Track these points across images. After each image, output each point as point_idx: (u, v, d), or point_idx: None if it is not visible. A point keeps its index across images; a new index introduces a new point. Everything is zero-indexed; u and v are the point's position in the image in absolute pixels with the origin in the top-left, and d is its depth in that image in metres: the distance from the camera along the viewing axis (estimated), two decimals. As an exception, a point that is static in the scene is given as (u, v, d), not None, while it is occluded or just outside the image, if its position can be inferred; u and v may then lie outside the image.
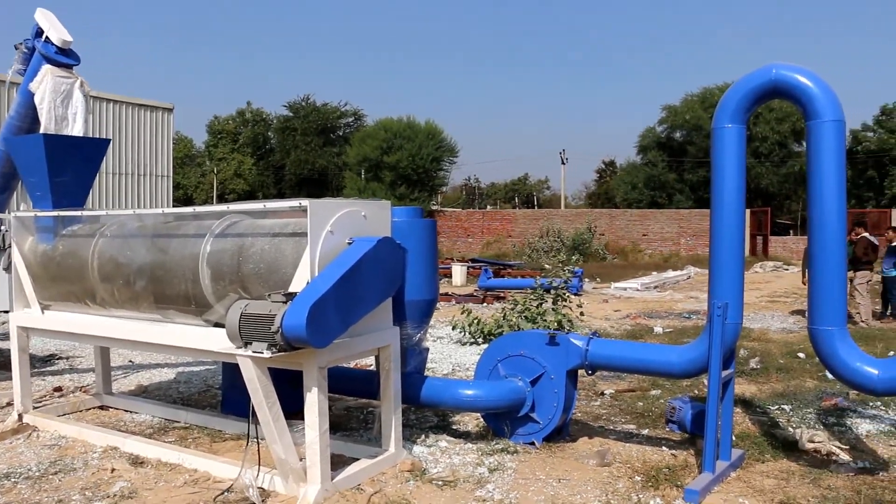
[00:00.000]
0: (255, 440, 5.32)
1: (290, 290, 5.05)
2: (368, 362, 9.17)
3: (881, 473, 5.91)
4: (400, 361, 5.97)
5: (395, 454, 5.92)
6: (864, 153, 49.67)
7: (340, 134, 63.85)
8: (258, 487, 5.24)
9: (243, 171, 66.12)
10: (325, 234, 5.20)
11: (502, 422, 6.51)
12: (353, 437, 6.75)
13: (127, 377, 9.50)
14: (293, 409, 5.44)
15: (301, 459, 5.22)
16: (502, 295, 19.28)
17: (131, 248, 6.34)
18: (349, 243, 5.34)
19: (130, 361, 10.52)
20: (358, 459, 5.79)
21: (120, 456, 6.22)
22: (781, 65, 5.60)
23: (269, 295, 4.95)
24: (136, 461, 6.08)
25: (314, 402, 5.05)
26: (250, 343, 4.88)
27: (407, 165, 45.51)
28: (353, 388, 6.95)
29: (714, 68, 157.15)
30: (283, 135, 63.57)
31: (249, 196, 61.69)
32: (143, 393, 8.67)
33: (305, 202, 5.13)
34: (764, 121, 50.28)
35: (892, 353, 10.63)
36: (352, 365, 8.73)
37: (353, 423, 7.32)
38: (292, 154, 61.37)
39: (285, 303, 4.82)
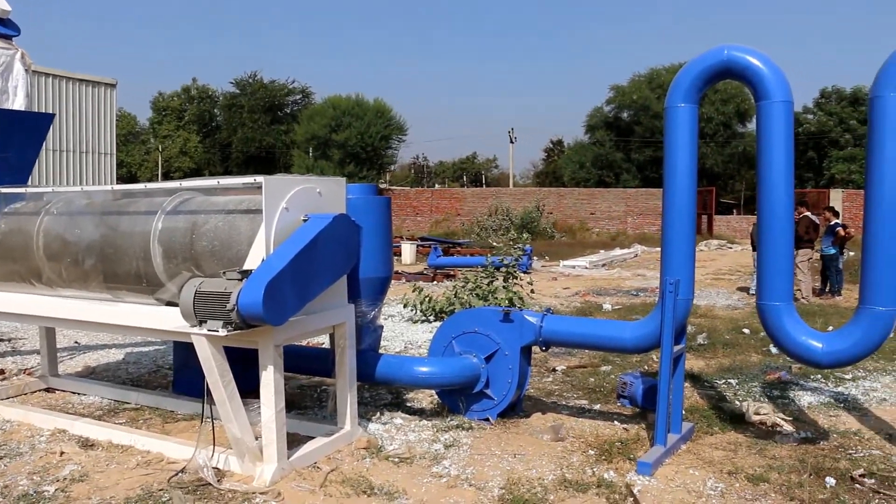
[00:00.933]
0: (210, 420, 5.27)
1: (245, 267, 4.99)
2: (322, 340, 9.13)
3: (822, 442, 6.11)
4: (355, 339, 5.95)
5: (351, 432, 5.91)
6: (805, 135, 50.73)
7: (288, 111, 63.19)
8: (213, 467, 5.19)
9: (189, 148, 65.05)
10: (280, 211, 5.15)
11: (457, 398, 6.55)
12: (308, 416, 6.73)
13: (73, 359, 9.31)
14: (248, 388, 5.40)
15: (257, 438, 5.18)
16: (452, 273, 19.36)
17: (79, 226, 6.20)
18: (304, 220, 5.30)
19: (76, 342, 10.31)
20: (314, 438, 5.77)
21: (69, 439, 6.09)
22: (733, 46, 5.68)
23: (224, 272, 4.89)
24: (86, 444, 5.97)
25: (270, 380, 5.01)
26: (205, 321, 4.82)
27: (356, 143, 45.31)
28: (307, 366, 6.92)
29: (661, 49, 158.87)
30: (230, 112, 62.67)
31: (195, 174, 60.73)
32: (91, 374, 8.50)
33: (261, 178, 5.07)
34: (709, 102, 51.03)
35: (830, 327, 10.92)
36: (304, 343, 8.69)
37: (307, 402, 7.30)
38: (239, 132, 60.55)
39: (241, 280, 4.76)
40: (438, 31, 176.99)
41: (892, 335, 8.97)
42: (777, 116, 5.54)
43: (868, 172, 5.43)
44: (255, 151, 59.78)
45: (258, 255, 5.03)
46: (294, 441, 5.63)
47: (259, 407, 5.13)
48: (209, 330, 4.78)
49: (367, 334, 6.48)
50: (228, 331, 4.75)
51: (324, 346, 8.33)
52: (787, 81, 5.58)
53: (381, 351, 6.97)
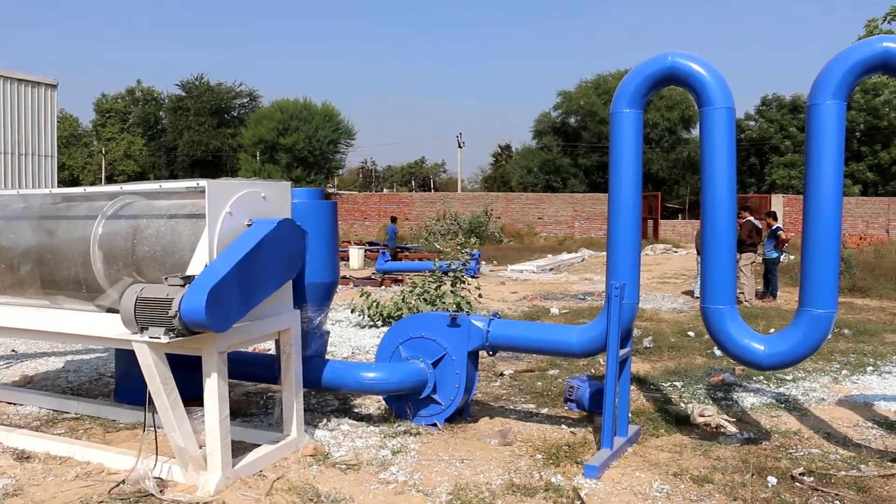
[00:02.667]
0: (152, 428, 5.16)
1: (188, 273, 4.90)
2: (268, 346, 9.02)
3: (764, 443, 6.22)
4: (301, 345, 5.88)
5: (297, 439, 5.85)
6: (747, 141, 51.76)
7: (235, 115, 62.46)
8: (156, 477, 5.08)
9: (133, 151, 63.83)
10: (223, 216, 5.07)
11: (404, 404, 6.52)
12: (254, 423, 6.63)
13: (10, 367, 9.05)
14: (191, 396, 5.30)
15: (201, 447, 5.08)
16: (400, 278, 19.31)
17: (15, 231, 6.03)
18: (249, 225, 5.23)
19: (13, 351, 10.02)
20: (259, 445, 5.69)
21: (3, 451, 5.87)
22: (677, 53, 5.77)
23: (166, 278, 4.80)
24: (22, 456, 5.77)
25: (214, 387, 4.93)
26: (146, 328, 4.72)
27: (303, 147, 44.93)
28: (253, 372, 6.83)
29: (608, 56, 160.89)
30: (176, 115, 61.70)
31: (140, 178, 59.66)
32: (29, 383, 8.26)
33: (203, 182, 4.99)
34: (654, 108, 51.78)
35: (772, 330, 11.14)
36: (251, 349, 8.57)
37: (253, 409, 7.19)
38: (185, 135, 59.67)
39: (183, 286, 4.67)
40: (386, 34, 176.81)
41: (829, 336, 9.20)
42: (719, 122, 5.64)
43: (806, 179, 5.55)
44: (202, 155, 58.96)
45: (201, 261, 4.94)
46: (239, 449, 5.54)
47: (203, 415, 5.04)
48: (151, 337, 4.68)
49: (314, 340, 6.41)
50: (171, 338, 4.65)
51: (270, 352, 8.23)
52: (729, 88, 5.68)
53: (327, 357, 6.91)
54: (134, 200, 5.81)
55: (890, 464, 5.74)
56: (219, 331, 4.71)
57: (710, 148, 5.67)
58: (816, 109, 5.47)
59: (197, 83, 61.97)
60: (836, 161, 5.42)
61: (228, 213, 5.11)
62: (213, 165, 58.23)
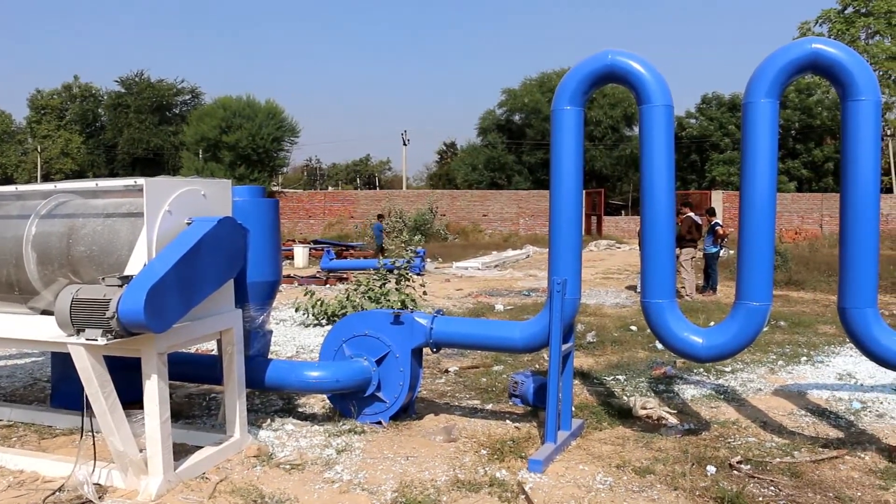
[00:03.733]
0: (90, 433, 5.05)
1: (127, 273, 4.81)
2: (211, 346, 8.91)
3: (704, 433, 6.36)
4: (243, 344, 5.82)
5: (241, 440, 5.78)
6: (688, 139, 52.68)
7: (177, 112, 61.40)
8: (94, 484, 4.97)
9: (71, 149, 62.29)
10: (162, 215, 4.99)
11: (349, 402, 6.49)
12: (197, 425, 6.54)
13: (-60, 372, 8.78)
14: (131, 399, 5.20)
15: (141, 451, 5.00)
16: (345, 276, 19.23)
17: (-57, 232, 5.84)
18: (188, 223, 5.16)
19: (-56, 355, 9.72)
20: (202, 447, 5.61)
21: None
22: (617, 51, 5.85)
23: (104, 279, 4.70)
24: (-50, 466, 5.60)
25: (154, 389, 4.84)
26: (83, 330, 4.62)
27: (247, 145, 44.36)
28: (195, 373, 6.74)
29: (552, 53, 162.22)
30: (115, 112, 60.40)
31: (78, 176, 58.24)
32: (-40, 388, 8.03)
33: (141, 181, 4.91)
34: (597, 105, 52.36)
35: (712, 323, 11.37)
36: (193, 350, 8.45)
37: (196, 411, 7.09)
38: (125, 132, 58.45)
39: (121, 286, 4.59)
40: (330, 31, 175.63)
41: (766, 328, 9.43)
42: (658, 120, 5.73)
43: (742, 175, 5.68)
44: (143, 153, 57.83)
45: (140, 261, 4.86)
46: (182, 451, 5.46)
47: (143, 418, 4.95)
48: (87, 339, 4.59)
49: (256, 339, 6.35)
50: (108, 339, 4.57)
51: (213, 352, 8.12)
52: (667, 86, 5.78)
53: (271, 356, 6.85)
54: (69, 199, 5.68)
55: (821, 449, 5.93)
56: (158, 331, 4.64)
57: (649, 145, 5.76)
58: (751, 108, 5.60)
59: (137, 80, 60.80)
60: (770, 157, 5.56)
61: (167, 212, 5.04)
62: (155, 164, 57.17)
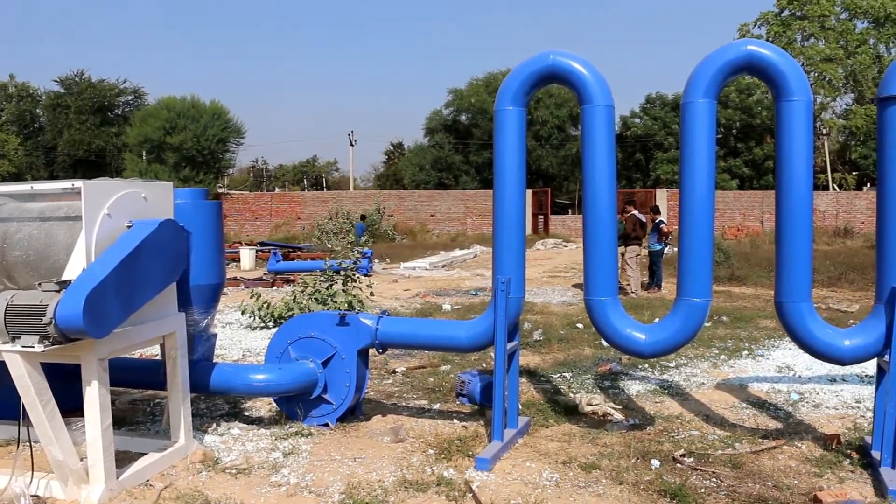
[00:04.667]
0: (27, 443, 4.94)
1: (65, 277, 4.71)
2: (155, 351, 8.77)
3: (648, 428, 6.47)
4: (187, 349, 5.75)
5: (186, 445, 5.71)
6: (633, 138, 53.39)
7: (119, 113, 60.04)
8: (33, 495, 4.86)
9: (7, 151, 60.53)
10: (101, 218, 4.90)
11: (295, 405, 6.46)
12: (140, 431, 6.44)
13: None
14: (72, 406, 5.10)
15: (82, 459, 4.90)
16: (292, 278, 19.07)
17: None
18: (129, 227, 5.07)
19: None
20: (146, 454, 5.53)
21: None
22: (558, 51, 5.91)
23: (40, 284, 4.60)
24: None
25: (95, 396, 4.76)
26: (18, 337, 4.51)
27: (191, 147, 43.64)
28: (138, 379, 6.63)
29: (498, 53, 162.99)
30: (55, 112, 58.83)
31: (16, 179, 56.67)
32: None
33: (79, 183, 4.81)
34: (544, 105, 52.73)
35: (657, 319, 11.55)
36: (137, 355, 8.32)
37: (139, 417, 6.98)
38: (65, 133, 56.99)
39: (59, 291, 4.50)
40: (275, 32, 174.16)
41: (708, 324, 9.63)
42: (599, 119, 5.81)
43: (681, 173, 5.79)
44: (84, 155, 56.45)
45: (78, 265, 4.77)
46: (125, 459, 5.38)
47: (83, 425, 4.86)
48: (23, 346, 4.48)
49: (201, 343, 6.28)
50: (46, 346, 4.47)
51: (157, 357, 8.00)
52: (608, 86, 5.86)
53: (217, 360, 6.78)
54: (3, 203, 5.53)
55: (761, 440, 6.09)
56: (98, 337, 4.56)
57: (591, 144, 5.84)
58: (689, 107, 5.71)
59: (77, 79, 59.36)
60: (708, 156, 5.67)
61: (107, 215, 4.95)
62: (97, 166, 55.87)
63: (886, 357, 5.40)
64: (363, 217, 30.33)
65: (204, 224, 6.01)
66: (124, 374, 6.36)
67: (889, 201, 5.47)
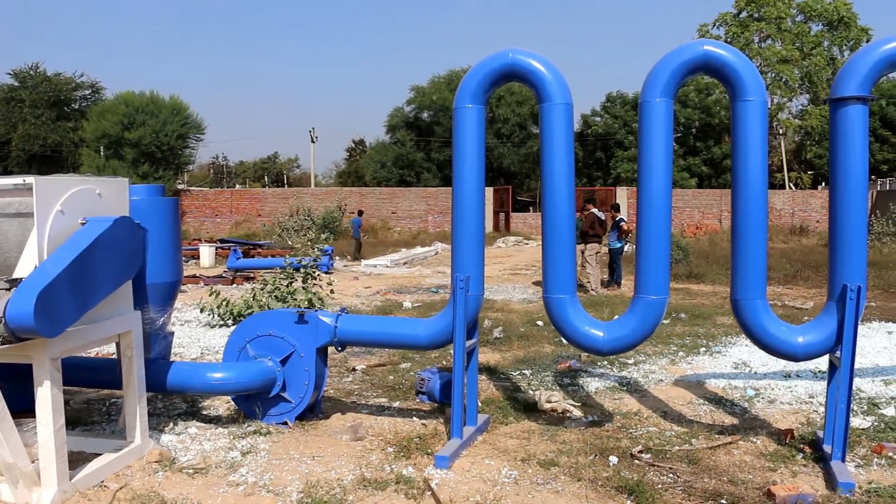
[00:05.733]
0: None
1: (15, 276, 4.62)
2: (111, 350, 8.65)
3: (607, 424, 6.52)
4: (143, 347, 5.67)
5: (142, 445, 5.63)
6: (594, 136, 53.81)
7: (76, 107, 58.95)
8: (-18, 497, 4.77)
9: (-41, 145, 59.22)
10: (54, 214, 4.81)
11: (253, 403, 6.40)
12: (95, 432, 6.34)
13: None
14: (24, 407, 5.01)
15: (34, 461, 4.81)
16: (252, 275, 18.92)
17: None
18: (83, 223, 4.99)
19: None
20: (100, 455, 5.44)
21: None
22: (518, 50, 5.93)
23: (-10, 282, 4.51)
24: None
25: (47, 396, 4.67)
26: (-33, 336, 4.42)
27: (150, 142, 43.01)
28: (93, 378, 6.52)
29: (460, 51, 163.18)
30: (9, 106, 57.56)
31: (-33, 174, 55.30)
32: None
33: (30, 179, 4.71)
34: (505, 103, 52.93)
35: (616, 316, 11.65)
36: (93, 354, 8.19)
37: (94, 417, 6.87)
38: (20, 128, 55.81)
39: (9, 290, 4.41)
40: (236, 26, 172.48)
41: (667, 321, 9.73)
42: (558, 118, 5.84)
43: (639, 172, 5.85)
44: (39, 150, 55.33)
45: (30, 263, 4.68)
46: (79, 460, 5.29)
47: (35, 426, 4.77)
48: (-27, 346, 4.39)
49: (157, 342, 6.20)
50: (-4, 345, 4.38)
51: (113, 356, 7.89)
52: (567, 84, 5.89)
53: (175, 358, 6.70)
54: (-48, 200, 5.41)
55: (717, 436, 6.17)
56: (50, 336, 4.48)
57: (550, 142, 5.87)
58: (647, 106, 5.77)
59: (32, 73, 58.20)
60: (666, 154, 5.73)
61: (60, 212, 4.86)
62: (53, 161, 54.82)
63: (838, 353, 5.51)
64: (360, 213, 30.26)
65: (160, 221, 5.93)
66: (79, 373, 6.26)
67: (841, 201, 5.58)
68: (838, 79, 5.62)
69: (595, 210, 16.60)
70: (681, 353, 9.42)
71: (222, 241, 29.21)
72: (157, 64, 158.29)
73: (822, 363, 7.81)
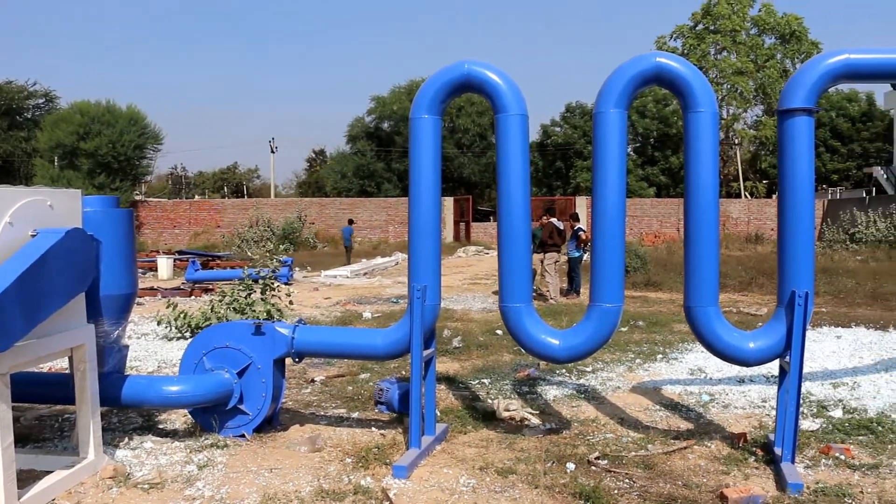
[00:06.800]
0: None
1: (-37, 290, 4.53)
2: (64, 364, 8.50)
3: (564, 432, 6.58)
4: (97, 361, 5.59)
5: (96, 461, 5.54)
6: (553, 146, 54.27)
7: (29, 117, 57.89)
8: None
9: None
10: (2, 226, 4.73)
11: (210, 416, 6.34)
12: (47, 449, 6.22)
13: None
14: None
15: (-20, 480, 4.71)
16: (211, 287, 18.76)
17: None
18: (33, 235, 4.92)
19: None
20: (52, 472, 5.35)
21: None
22: (473, 61, 5.98)
23: (-64, 296, 4.42)
24: None
25: (-5, 412, 4.58)
26: (-87, 351, 4.32)
27: (107, 153, 42.37)
28: (44, 393, 6.41)
29: (421, 61, 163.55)
30: (-42, 115, 56.46)
31: (-85, 186, 53.94)
32: None
33: (-23, 191, 4.64)
34: (466, 114, 53.22)
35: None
36: (45, 368, 8.05)
37: (46, 433, 6.74)
38: (-30, 137, 54.72)
39: (-44, 304, 4.32)
40: (195, 36, 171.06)
41: (625, 329, 9.84)
42: (513, 128, 5.90)
43: (594, 182, 5.93)
44: (-10, 161, 54.34)
45: (-22, 276, 4.59)
46: (30, 478, 5.19)
47: (-17, 444, 4.67)
48: (-81, 361, 4.30)
49: (111, 355, 6.11)
50: (-57, 360, 4.29)
51: (66, 370, 7.76)
52: (522, 95, 5.96)
53: (131, 372, 6.62)
54: None
55: (673, 441, 6.26)
56: (-2, 350, 4.40)
57: (505, 152, 5.93)
58: (601, 117, 5.85)
59: (-19, 81, 57.11)
60: (619, 164, 5.82)
61: (9, 224, 4.78)
62: (4, 171, 53.70)
63: (787, 358, 5.62)
64: (351, 221, 30.38)
65: (114, 232, 5.86)
66: (29, 388, 6.16)
67: (788, 209, 5.70)
68: (785, 91, 5.76)
69: (554, 220, 16.74)
70: (638, 361, 9.53)
71: (181, 252, 28.95)
72: (114, 73, 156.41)
73: (776, 368, 7.96)
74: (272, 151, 63.98)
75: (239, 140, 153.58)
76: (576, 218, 18.00)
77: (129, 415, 7.13)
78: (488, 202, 57.38)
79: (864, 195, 38.95)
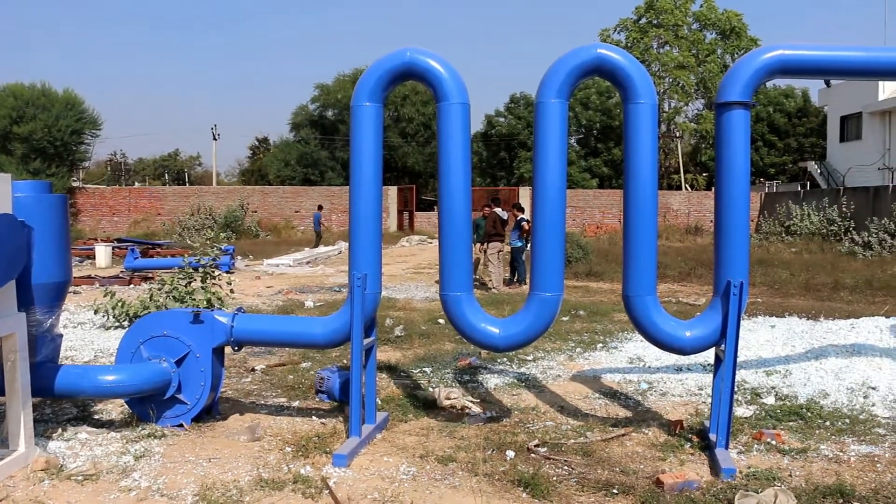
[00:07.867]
0: None
1: None
2: None
3: (505, 420, 6.63)
4: (28, 351, 5.45)
5: (26, 453, 5.41)
6: (498, 136, 54.45)
7: (-43, 100, 56.06)
8: None
9: None
10: (-72, 213, 4.59)
11: (148, 406, 6.24)
12: (-25, 441, 6.06)
13: None
14: None
15: None
16: (150, 276, 18.43)
17: None
18: (-40, 222, 4.77)
19: None
20: (-20, 464, 5.21)
21: None
22: (416, 49, 5.97)
23: None
24: None
25: (-80, 402, 4.45)
26: None
27: (42, 137, 41.16)
28: (-27, 384, 6.23)
29: (366, 49, 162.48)
30: None
31: None
32: None
33: None
34: (410, 103, 53.07)
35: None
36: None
37: (-25, 425, 6.57)
38: None
39: None
40: (136, 20, 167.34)
41: (566, 318, 9.94)
42: (455, 117, 5.91)
43: (534, 172, 5.97)
44: (-84, 145, 52.50)
45: None
46: (-43, 471, 5.06)
47: None
48: None
49: (44, 345, 5.97)
50: None
51: None
52: (464, 84, 5.96)
53: (66, 361, 6.47)
54: None
55: (611, 428, 6.36)
56: (-76, 339, 4.27)
57: (446, 141, 5.93)
58: (542, 107, 5.89)
59: None
60: (560, 155, 5.87)
61: (-65, 210, 4.64)
62: (-68, 157, 52.02)
63: (722, 346, 5.75)
64: (320, 207, 30.32)
65: (47, 219, 5.72)
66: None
67: (725, 201, 5.83)
68: (722, 85, 5.87)
69: (497, 210, 16.82)
70: (578, 350, 9.64)
71: (119, 240, 28.38)
72: (50, 55, 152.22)
73: (712, 356, 8.14)
74: (214, 139, 62.96)
75: (181, 126, 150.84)
76: (519, 208, 18.11)
77: (63, 405, 6.97)
78: (432, 192, 57.33)
79: (799, 189, 39.93)
